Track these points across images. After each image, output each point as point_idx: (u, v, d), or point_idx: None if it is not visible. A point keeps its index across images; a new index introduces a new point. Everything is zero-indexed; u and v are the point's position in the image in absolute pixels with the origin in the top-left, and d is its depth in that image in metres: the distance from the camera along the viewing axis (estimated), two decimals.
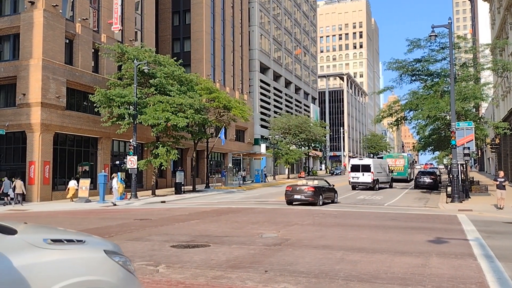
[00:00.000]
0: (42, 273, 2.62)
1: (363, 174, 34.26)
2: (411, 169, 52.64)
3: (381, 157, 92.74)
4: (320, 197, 22.33)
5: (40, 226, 3.35)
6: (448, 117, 27.90)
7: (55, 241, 2.92)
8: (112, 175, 27.57)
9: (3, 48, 30.24)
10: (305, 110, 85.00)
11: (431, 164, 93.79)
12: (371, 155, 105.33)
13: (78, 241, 3.12)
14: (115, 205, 24.08)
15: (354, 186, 34.89)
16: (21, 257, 2.57)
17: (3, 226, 2.64)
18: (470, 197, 24.67)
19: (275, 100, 70.57)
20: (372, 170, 34.15)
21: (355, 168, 34.96)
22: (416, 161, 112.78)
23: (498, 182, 19.76)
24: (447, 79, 28.30)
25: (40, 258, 2.68)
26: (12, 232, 2.74)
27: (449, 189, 23.92)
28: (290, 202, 22.66)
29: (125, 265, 3.21)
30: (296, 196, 22.20)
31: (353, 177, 34.93)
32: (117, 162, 32.84)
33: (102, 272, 2.94)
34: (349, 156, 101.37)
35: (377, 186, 34.40)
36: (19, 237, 2.74)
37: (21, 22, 28.89)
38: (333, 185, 25.11)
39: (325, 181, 25.22)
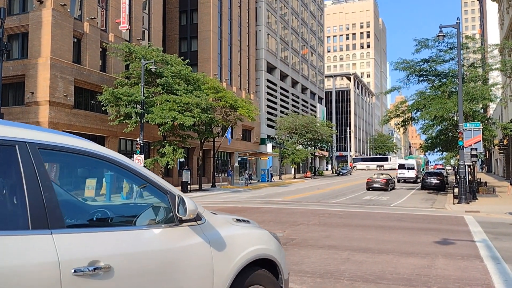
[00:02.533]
0: (236, 240, 3.56)
1: (408, 171, 45.37)
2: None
3: (386, 158, 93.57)
4: (388, 185, 33.12)
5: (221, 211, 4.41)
6: (455, 117, 27.75)
7: (237, 220, 3.93)
8: None
9: (12, 46, 30.47)
10: (311, 110, 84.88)
11: (441, 165, 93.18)
12: (378, 156, 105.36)
13: (246, 221, 4.10)
14: None
15: (399, 180, 45.05)
16: (225, 229, 3.54)
17: (209, 210, 3.60)
18: (477, 198, 24.51)
19: (281, 99, 70.55)
20: (415, 168, 45.41)
21: (401, 166, 46.44)
22: (429, 162, 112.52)
23: None
24: (455, 79, 28.14)
25: (234, 231, 3.65)
26: (215, 213, 3.72)
27: (456, 190, 23.78)
28: (369, 188, 33.30)
29: (276, 237, 4.24)
30: (375, 185, 32.97)
31: (399, 173, 45.79)
32: None
33: (267, 242, 3.92)
34: (353, 157, 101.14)
35: (418, 180, 43.96)
36: (220, 216, 3.73)
37: (30, 21, 29.12)
38: (394, 178, 39.12)
39: (389, 175, 35.87)
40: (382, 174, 35.86)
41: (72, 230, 2.57)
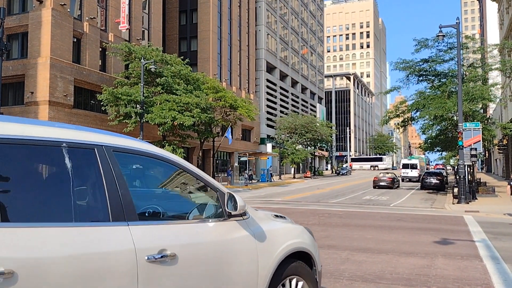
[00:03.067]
0: (277, 234, 3.88)
1: (411, 170, 47.47)
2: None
3: (380, 158, 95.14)
4: (394, 183, 35.72)
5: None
6: (455, 117, 27.76)
7: (275, 216, 4.31)
8: None
9: (11, 46, 30.45)
10: (311, 110, 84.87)
11: (441, 164, 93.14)
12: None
13: (282, 217, 4.46)
14: None
15: (403, 179, 47.18)
16: (266, 224, 3.86)
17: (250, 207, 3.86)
18: (477, 198, 24.52)
19: (281, 99, 70.55)
20: (418, 167, 47.47)
21: (405, 166, 48.80)
22: (430, 162, 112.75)
23: (511, 186, 16.27)
24: (455, 79, 28.15)
25: (274, 226, 3.98)
26: (257, 210, 4.03)
27: (455, 190, 23.78)
28: (375, 186, 35.70)
29: (310, 232, 4.56)
30: (381, 183, 35.44)
31: (403, 173, 48.17)
32: None
33: (303, 236, 4.24)
34: (352, 158, 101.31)
35: (420, 179, 44.87)
36: (262, 212, 4.11)
37: (30, 21, 29.12)
38: (398, 176, 42.18)
39: (394, 174, 38.47)
40: (388, 173, 38.47)
41: (144, 222, 2.94)
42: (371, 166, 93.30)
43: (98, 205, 2.74)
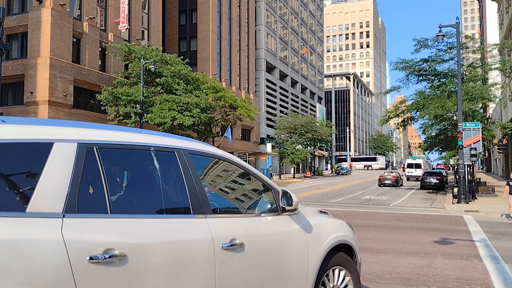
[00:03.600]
0: (323, 228, 4.26)
1: (416, 170, 48.60)
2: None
3: (374, 158, 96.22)
4: (398, 182, 37.88)
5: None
6: (455, 117, 27.75)
7: (320, 211, 4.73)
8: None
9: (11, 46, 30.45)
10: (311, 109, 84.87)
11: (442, 164, 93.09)
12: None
13: (325, 213, 4.85)
14: None
15: (408, 178, 49.03)
16: (314, 219, 4.25)
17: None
18: (476, 198, 24.52)
19: (281, 99, 70.54)
20: (422, 167, 48.57)
21: (410, 165, 50.53)
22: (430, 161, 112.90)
23: (510, 186, 15.83)
24: (454, 79, 28.14)
25: (320, 220, 4.36)
26: (304, 206, 4.45)
27: (455, 189, 23.78)
28: (381, 184, 37.73)
29: (351, 226, 4.94)
30: (386, 182, 37.58)
31: (408, 172, 49.94)
32: None
33: (345, 230, 4.62)
34: (338, 157, 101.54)
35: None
36: (309, 208, 4.56)
37: (29, 21, 29.11)
38: (402, 175, 42.99)
39: (398, 173, 40.54)
40: (392, 172, 40.97)
41: (217, 215, 3.39)
42: (364, 166, 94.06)
43: (181, 200, 3.21)
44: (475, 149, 23.72)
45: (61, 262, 2.30)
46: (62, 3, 29.56)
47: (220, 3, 52.23)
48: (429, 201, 25.72)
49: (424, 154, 70.07)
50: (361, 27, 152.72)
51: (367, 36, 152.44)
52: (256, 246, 3.46)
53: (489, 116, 39.60)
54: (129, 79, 31.79)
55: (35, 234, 2.28)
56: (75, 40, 31.10)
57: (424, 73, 30.85)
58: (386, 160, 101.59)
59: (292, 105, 74.84)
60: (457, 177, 25.34)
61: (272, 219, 3.74)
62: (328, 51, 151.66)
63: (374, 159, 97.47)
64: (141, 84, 28.27)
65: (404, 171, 54.77)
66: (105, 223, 2.60)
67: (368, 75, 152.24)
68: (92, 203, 2.65)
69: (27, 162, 2.48)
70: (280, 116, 64.63)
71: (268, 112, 65.03)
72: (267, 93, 65.27)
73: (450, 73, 29.61)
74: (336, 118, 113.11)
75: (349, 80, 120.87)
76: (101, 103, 28.97)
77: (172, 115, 28.21)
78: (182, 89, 30.89)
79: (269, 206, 3.82)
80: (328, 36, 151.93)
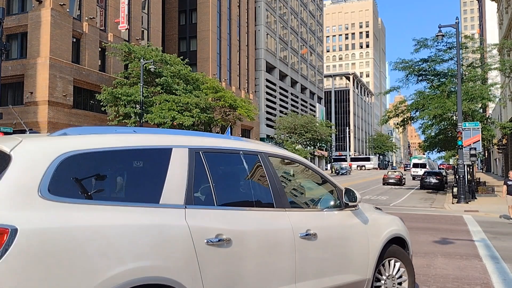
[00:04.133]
0: (380, 222, 4.68)
1: (421, 169, 50.79)
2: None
3: (368, 158, 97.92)
4: (401, 180, 40.09)
5: None
6: (454, 117, 27.75)
7: (376, 208, 5.11)
8: None
9: (11, 46, 30.45)
10: (310, 109, 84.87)
11: (444, 164, 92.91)
12: (378, 155, 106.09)
13: (379, 209, 5.21)
14: None
15: (414, 177, 51.30)
16: (371, 214, 4.68)
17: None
18: (476, 198, 24.52)
19: (281, 99, 70.54)
20: (427, 167, 51.67)
21: (415, 165, 54.62)
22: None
23: (508, 186, 15.30)
24: (454, 79, 28.14)
25: (377, 215, 4.78)
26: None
27: (455, 189, 23.77)
28: (385, 183, 39.53)
29: (403, 221, 5.31)
30: (390, 180, 39.49)
31: (413, 171, 53.29)
32: None
33: (399, 224, 4.99)
34: (333, 157, 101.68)
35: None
36: (366, 204, 4.84)
37: (29, 21, 29.10)
38: (404, 174, 44.90)
39: (401, 172, 42.98)
40: (395, 171, 43.79)
41: (294, 209, 3.89)
42: (357, 166, 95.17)
43: (265, 195, 3.71)
44: (475, 149, 23.72)
45: (188, 242, 2.92)
46: (62, 3, 29.56)
47: (219, 3, 52.23)
48: (429, 201, 25.73)
49: (424, 154, 70.13)
50: (360, 27, 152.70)
51: (367, 36, 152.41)
52: (326, 236, 3.95)
53: (488, 116, 39.63)
54: (129, 79, 31.78)
55: (168, 220, 2.90)
56: (74, 40, 31.09)
57: (423, 73, 30.85)
58: (386, 160, 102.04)
59: (292, 105, 74.84)
60: (457, 177, 25.34)
61: (337, 213, 4.26)
62: (328, 51, 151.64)
63: (368, 159, 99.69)
64: (141, 84, 28.27)
65: (405, 170, 55.64)
66: (214, 213, 3.20)
67: (367, 75, 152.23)
68: (203, 197, 3.25)
69: (156, 163, 3.09)
70: (280, 116, 64.62)
71: (267, 112, 65.03)
72: (267, 93, 65.27)
73: (449, 73, 29.61)
74: (335, 118, 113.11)
75: (349, 80, 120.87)
76: (101, 103, 28.96)
77: (172, 115, 28.21)
78: (182, 89, 30.89)
79: (333, 202, 4.33)
80: (328, 36, 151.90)
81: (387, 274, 4.63)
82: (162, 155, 3.10)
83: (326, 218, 4.14)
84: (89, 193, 2.70)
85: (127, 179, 2.99)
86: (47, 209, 2.47)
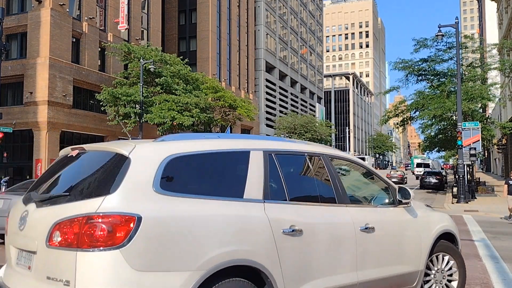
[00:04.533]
0: (431, 219, 4.99)
1: (424, 169, 51.18)
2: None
3: (362, 158, 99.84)
4: (403, 179, 42.52)
5: None
6: (454, 117, 27.75)
7: (426, 205, 5.39)
8: None
9: (10, 46, 30.43)
10: (310, 109, 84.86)
11: (446, 165, 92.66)
12: (377, 155, 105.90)
13: (430, 206, 5.62)
14: None
15: (417, 176, 51.63)
16: (423, 211, 4.95)
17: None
18: (476, 198, 24.51)
19: (280, 99, 70.52)
20: (431, 167, 54.18)
21: (419, 165, 58.06)
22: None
23: (509, 185, 15.25)
24: (454, 79, 28.13)
25: (428, 212, 5.06)
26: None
27: (455, 189, 23.77)
28: None
29: (451, 216, 5.66)
30: (392, 179, 39.19)
31: (417, 171, 56.24)
32: None
33: (448, 221, 5.27)
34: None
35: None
36: (418, 202, 5.13)
37: (29, 21, 29.10)
38: (406, 174, 48.49)
39: (403, 172, 46.14)
40: (397, 171, 45.95)
41: (353, 205, 4.28)
42: None
43: (328, 192, 4.10)
44: (475, 148, 23.73)
45: (268, 231, 3.36)
46: (62, 3, 29.54)
47: (219, 3, 52.22)
48: (429, 200, 25.71)
49: (423, 154, 70.18)
50: (360, 27, 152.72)
51: (367, 36, 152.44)
52: (383, 230, 4.29)
53: (488, 115, 39.62)
54: (129, 79, 31.76)
55: (251, 212, 3.36)
56: (74, 40, 31.08)
57: (423, 73, 30.85)
58: (386, 160, 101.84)
59: (292, 105, 74.83)
60: (457, 176, 25.34)
61: (392, 209, 4.61)
62: (328, 51, 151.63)
63: (363, 159, 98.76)
64: (141, 84, 28.25)
65: (405, 170, 59.12)
66: (287, 207, 3.62)
67: (367, 75, 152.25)
68: (277, 193, 3.64)
69: (238, 163, 3.57)
70: (280, 116, 64.62)
71: (267, 112, 65.03)
72: (267, 93, 65.26)
73: (449, 73, 29.61)
74: (335, 118, 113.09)
75: (349, 80, 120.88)
76: (101, 103, 28.95)
77: (172, 115, 28.20)
78: (182, 89, 30.88)
79: (388, 199, 4.69)
80: (328, 36, 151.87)
81: (436, 268, 4.92)
82: (243, 157, 3.59)
83: (382, 213, 4.50)
84: (189, 189, 3.20)
85: (217, 177, 3.45)
86: (160, 201, 2.99)
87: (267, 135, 62.68)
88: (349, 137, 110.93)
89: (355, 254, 3.98)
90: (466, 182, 22.84)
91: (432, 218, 5.01)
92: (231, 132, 41.88)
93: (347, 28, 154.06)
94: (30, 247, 3.05)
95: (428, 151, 39.72)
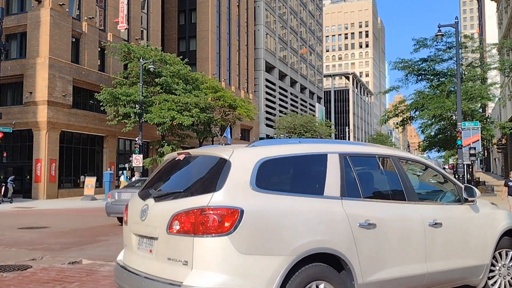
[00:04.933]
0: (495, 216, 5.21)
1: None
2: None
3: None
4: None
5: None
6: (454, 117, 27.76)
7: (491, 203, 5.54)
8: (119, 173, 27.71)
9: (10, 46, 30.42)
10: (310, 109, 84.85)
11: (450, 165, 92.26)
12: None
13: (495, 204, 5.69)
14: None
15: None
16: (487, 208, 5.20)
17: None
18: None
19: (280, 99, 70.51)
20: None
21: None
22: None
23: (508, 187, 14.70)
24: (454, 79, 28.15)
25: (492, 210, 5.30)
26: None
27: None
28: None
29: None
30: None
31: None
32: (126, 165, 33.12)
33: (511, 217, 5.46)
34: None
35: None
36: (482, 200, 5.29)
37: (28, 21, 29.08)
38: None
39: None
40: None
41: (422, 202, 4.63)
42: None
43: (398, 190, 4.46)
44: (474, 148, 23.74)
45: (346, 224, 3.77)
46: (61, 3, 29.52)
47: (219, 3, 52.21)
48: None
49: (423, 153, 70.22)
50: (360, 26, 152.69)
51: (366, 36, 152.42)
52: (450, 226, 4.60)
53: (488, 115, 39.64)
54: (128, 79, 31.74)
55: (332, 207, 3.80)
56: (74, 40, 31.06)
57: (423, 72, 30.88)
58: None
59: (292, 105, 74.82)
60: (456, 176, 25.34)
61: (458, 207, 4.91)
62: (327, 51, 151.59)
63: None
64: (140, 84, 28.23)
65: None
66: (362, 204, 4.02)
67: (367, 75, 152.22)
68: (352, 191, 4.02)
69: (318, 165, 4.01)
70: (280, 116, 64.62)
71: (267, 112, 65.02)
72: (267, 92, 65.25)
73: (449, 73, 29.63)
74: (335, 118, 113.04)
75: (348, 80, 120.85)
76: (100, 103, 28.93)
77: (172, 115, 28.19)
78: (182, 89, 30.87)
79: (454, 197, 5.00)
80: (327, 36, 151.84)
81: (501, 263, 5.17)
82: (322, 159, 4.04)
83: (449, 210, 4.81)
84: (278, 187, 3.76)
85: (300, 176, 3.94)
86: (257, 197, 3.50)
87: (266, 135, 62.73)
88: (348, 137, 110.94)
89: (424, 247, 4.33)
90: (465, 182, 22.85)
91: (497, 216, 5.24)
92: (230, 132, 41.88)
93: (346, 28, 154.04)
94: (152, 234, 3.64)
95: (428, 151, 39.73)
